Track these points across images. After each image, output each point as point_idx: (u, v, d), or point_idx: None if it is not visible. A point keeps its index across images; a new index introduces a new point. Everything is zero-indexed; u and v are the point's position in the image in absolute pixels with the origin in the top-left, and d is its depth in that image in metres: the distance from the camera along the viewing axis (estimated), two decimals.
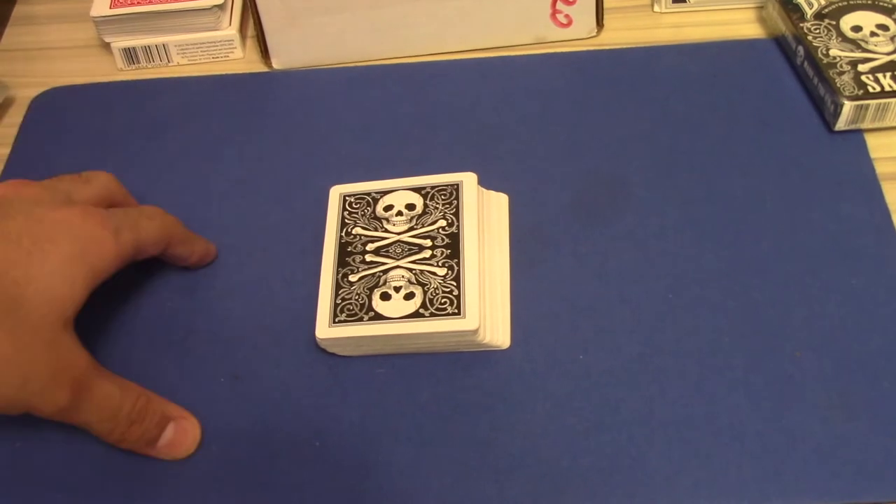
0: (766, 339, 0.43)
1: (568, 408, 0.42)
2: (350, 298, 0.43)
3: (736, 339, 0.43)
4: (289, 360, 0.44)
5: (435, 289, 0.43)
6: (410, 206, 0.46)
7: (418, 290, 0.43)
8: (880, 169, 0.49)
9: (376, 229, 0.45)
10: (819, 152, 0.50)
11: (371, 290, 0.43)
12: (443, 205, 0.45)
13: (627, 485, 0.39)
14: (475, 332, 0.41)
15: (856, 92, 0.49)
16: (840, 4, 0.54)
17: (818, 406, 0.41)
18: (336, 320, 0.43)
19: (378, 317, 0.42)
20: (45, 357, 0.37)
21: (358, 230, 0.45)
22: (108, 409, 0.40)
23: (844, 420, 0.40)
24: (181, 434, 0.42)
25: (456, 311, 0.42)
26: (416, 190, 0.46)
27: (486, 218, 0.46)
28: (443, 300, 0.42)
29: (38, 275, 0.38)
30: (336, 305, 0.43)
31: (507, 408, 0.42)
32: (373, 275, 0.44)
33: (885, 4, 0.54)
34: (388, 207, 0.46)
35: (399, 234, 0.45)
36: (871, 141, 0.50)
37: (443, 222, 0.45)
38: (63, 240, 0.39)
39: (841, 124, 0.50)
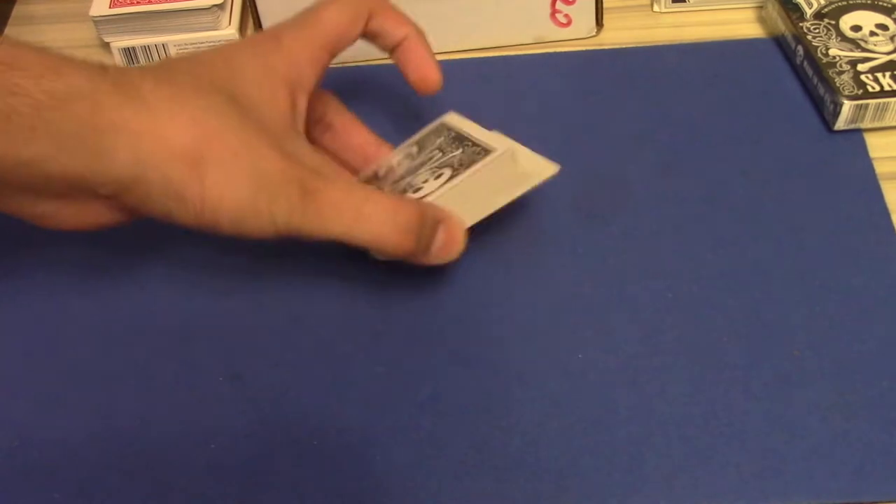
0: (766, 338, 0.43)
1: (566, 407, 0.41)
2: None
3: (735, 338, 0.43)
4: (288, 360, 0.44)
5: (460, 161, 0.42)
6: (409, 156, 0.46)
7: (446, 170, 0.43)
8: (880, 168, 0.49)
9: (385, 177, 0.45)
10: (818, 152, 0.50)
11: (402, 193, 0.43)
12: (434, 137, 0.46)
13: (626, 484, 0.39)
14: (511, 152, 0.42)
15: (855, 91, 0.49)
16: (839, 4, 0.54)
17: (817, 405, 0.41)
18: None
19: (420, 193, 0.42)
20: (274, 158, 0.38)
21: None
22: (352, 213, 0.39)
23: (844, 419, 0.40)
24: (451, 236, 0.42)
25: (485, 153, 0.42)
26: (409, 145, 0.47)
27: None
28: (470, 159, 0.42)
29: (243, 88, 0.39)
30: None
31: (506, 407, 0.42)
32: (398, 191, 0.44)
33: (885, 4, 0.54)
34: (388, 167, 0.46)
35: (407, 166, 0.45)
36: (871, 140, 0.50)
37: (442, 140, 0.45)
38: (250, 61, 0.41)
39: (840, 124, 0.50)
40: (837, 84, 0.50)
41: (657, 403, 0.41)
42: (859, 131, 0.51)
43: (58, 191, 0.37)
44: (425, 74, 0.45)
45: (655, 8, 0.59)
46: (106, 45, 0.58)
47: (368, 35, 0.45)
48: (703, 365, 0.42)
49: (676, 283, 0.45)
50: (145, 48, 0.58)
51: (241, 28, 0.59)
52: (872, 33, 0.52)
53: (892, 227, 0.46)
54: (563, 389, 0.42)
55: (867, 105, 0.49)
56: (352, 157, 0.48)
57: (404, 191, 0.43)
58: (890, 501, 0.38)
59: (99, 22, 0.57)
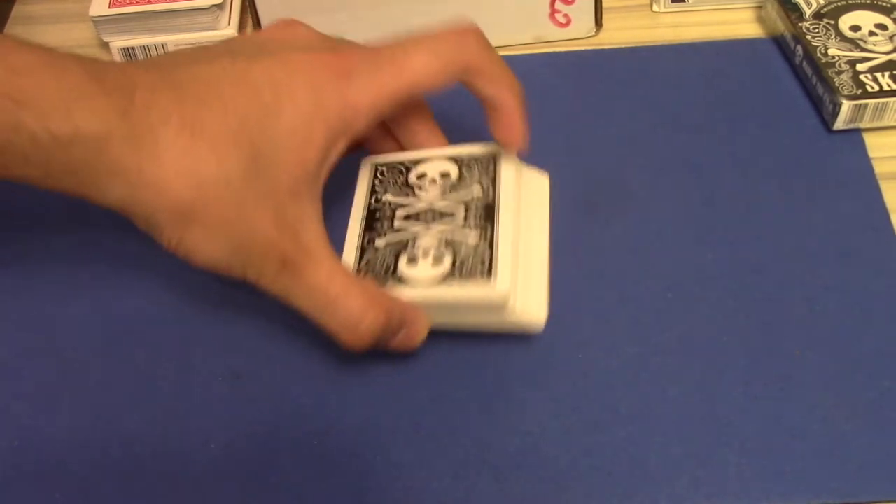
0: (766, 338, 0.43)
1: (567, 407, 0.42)
2: (375, 262, 0.41)
3: (735, 338, 0.43)
4: (288, 360, 0.44)
5: (466, 254, 0.40)
6: (445, 175, 0.43)
7: (448, 255, 0.40)
8: (879, 168, 0.49)
9: (407, 195, 0.43)
10: (818, 152, 0.50)
11: (398, 253, 0.41)
12: (479, 172, 0.43)
13: (626, 484, 0.39)
14: (504, 299, 0.39)
15: (854, 91, 0.49)
16: (839, 4, 0.54)
17: (818, 405, 0.41)
18: None
19: (403, 280, 0.40)
20: (264, 229, 0.37)
21: (388, 197, 0.43)
22: (322, 301, 0.38)
23: (844, 419, 0.40)
24: (410, 337, 0.41)
25: (486, 275, 0.39)
26: (452, 159, 0.44)
27: (525, 191, 0.44)
28: (472, 265, 0.39)
29: (274, 133, 0.37)
30: (359, 270, 0.41)
31: (506, 407, 0.42)
32: (401, 240, 0.41)
33: (884, 4, 0.54)
34: (422, 175, 0.43)
35: (431, 200, 0.42)
36: (870, 140, 0.50)
37: (478, 191, 0.42)
38: (301, 91, 0.37)
39: (839, 123, 0.50)
40: (836, 84, 0.50)
41: (657, 403, 0.41)
42: (858, 131, 0.51)
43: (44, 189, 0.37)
44: (512, 139, 0.42)
45: (655, 8, 0.59)
46: (105, 45, 0.58)
47: (462, 83, 0.41)
48: (703, 365, 0.42)
49: (676, 283, 0.45)
50: (144, 48, 0.58)
51: (241, 28, 0.59)
52: (871, 33, 0.52)
53: (892, 227, 0.46)
54: (563, 389, 0.42)
55: (866, 105, 0.49)
56: (401, 134, 0.45)
57: (404, 245, 0.41)
58: (890, 501, 0.38)
59: (98, 22, 0.57)
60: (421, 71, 0.39)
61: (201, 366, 0.44)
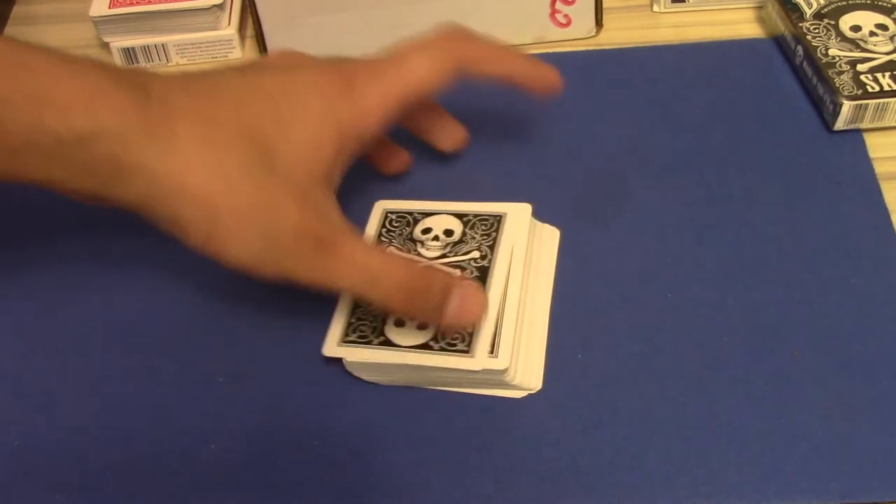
0: (766, 339, 0.43)
1: (566, 407, 0.41)
2: (365, 319, 0.42)
3: (735, 339, 0.43)
4: (288, 360, 0.44)
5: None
6: (448, 232, 0.45)
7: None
8: (879, 168, 0.49)
9: (409, 251, 0.44)
10: (818, 152, 0.50)
11: (387, 313, 0.42)
12: (481, 235, 0.44)
13: (626, 484, 0.39)
14: (477, 372, 0.40)
15: (855, 91, 0.49)
16: (839, 4, 0.54)
17: (817, 405, 0.41)
18: (345, 340, 0.42)
19: (387, 343, 0.41)
20: (291, 213, 0.37)
21: (391, 250, 0.44)
22: (365, 276, 0.38)
23: (844, 419, 0.40)
24: (467, 299, 0.39)
25: (465, 348, 0.40)
26: (459, 216, 0.45)
27: (532, 251, 0.45)
28: (455, 335, 0.41)
29: (287, 131, 0.38)
30: (349, 325, 0.42)
31: (506, 407, 0.42)
32: None
33: (885, 4, 0.54)
34: (427, 230, 0.45)
35: (430, 259, 0.44)
36: (870, 140, 0.50)
37: (476, 253, 0.43)
38: (313, 100, 0.39)
39: (840, 124, 0.50)
40: (837, 84, 0.50)
41: (657, 403, 0.41)
42: (859, 131, 0.51)
43: (64, 193, 0.38)
44: (546, 91, 0.43)
45: (655, 8, 0.59)
46: (106, 46, 0.58)
47: (468, 78, 0.43)
48: (702, 365, 0.42)
49: (676, 283, 0.45)
50: (145, 48, 0.58)
51: (241, 28, 0.59)
52: (872, 33, 0.52)
53: (892, 227, 0.46)
54: (563, 389, 0.42)
55: (867, 105, 0.49)
56: (419, 130, 0.48)
57: None
58: (890, 501, 0.38)
59: (98, 22, 0.57)
60: (421, 71, 0.41)
61: (201, 366, 0.44)
